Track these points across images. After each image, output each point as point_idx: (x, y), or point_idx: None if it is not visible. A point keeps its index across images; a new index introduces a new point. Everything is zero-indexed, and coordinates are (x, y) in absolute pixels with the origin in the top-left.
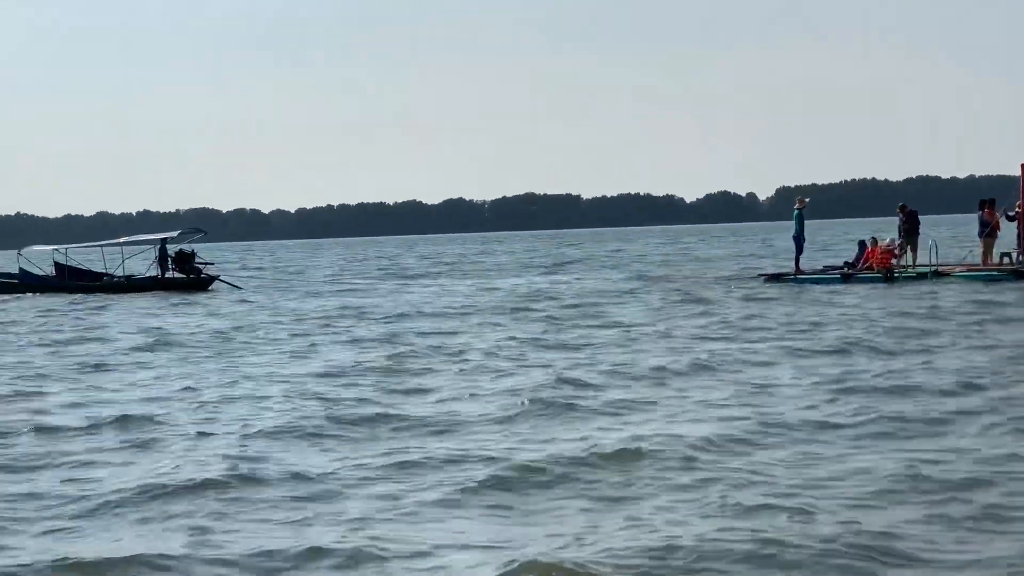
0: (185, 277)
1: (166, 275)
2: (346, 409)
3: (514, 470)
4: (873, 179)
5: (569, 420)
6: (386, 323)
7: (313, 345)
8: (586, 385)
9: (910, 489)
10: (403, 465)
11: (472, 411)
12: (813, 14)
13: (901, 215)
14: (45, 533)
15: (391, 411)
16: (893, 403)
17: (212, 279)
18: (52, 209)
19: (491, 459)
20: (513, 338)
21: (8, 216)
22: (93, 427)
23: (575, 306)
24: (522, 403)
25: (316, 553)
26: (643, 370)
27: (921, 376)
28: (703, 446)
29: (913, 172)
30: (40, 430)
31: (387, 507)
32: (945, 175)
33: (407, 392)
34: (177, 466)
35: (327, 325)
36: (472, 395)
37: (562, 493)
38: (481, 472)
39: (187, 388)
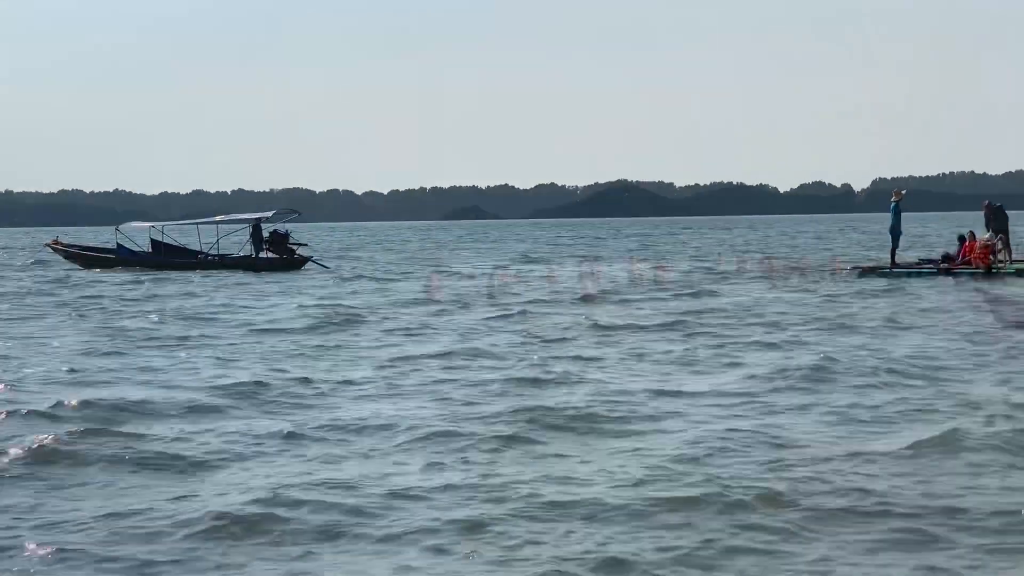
0: (278, 257)
1: (259, 255)
2: (520, 403)
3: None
4: (972, 172)
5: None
6: (543, 305)
7: (472, 331)
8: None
9: None
10: (582, 469)
11: (685, 406)
12: (910, 4)
13: (987, 212)
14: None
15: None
16: None
17: (305, 260)
18: (149, 186)
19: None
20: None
21: (107, 192)
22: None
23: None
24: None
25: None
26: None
27: None
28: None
29: (1012, 166)
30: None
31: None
32: None
33: (571, 385)
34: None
35: (493, 304)
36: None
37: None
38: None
39: (327, 374)
